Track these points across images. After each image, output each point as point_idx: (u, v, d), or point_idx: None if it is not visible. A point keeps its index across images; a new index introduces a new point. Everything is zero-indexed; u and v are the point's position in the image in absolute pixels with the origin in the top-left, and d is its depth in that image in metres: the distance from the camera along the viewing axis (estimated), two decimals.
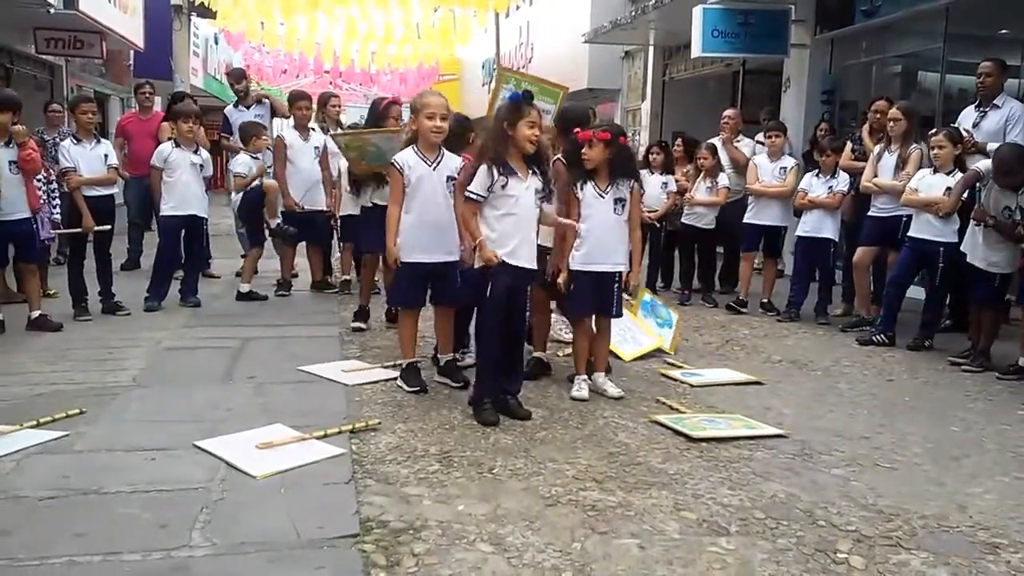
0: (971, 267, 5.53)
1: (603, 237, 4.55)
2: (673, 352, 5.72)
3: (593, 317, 4.77)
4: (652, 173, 7.78)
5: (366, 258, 6.51)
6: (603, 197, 4.52)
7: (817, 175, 6.85)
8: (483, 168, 4.09)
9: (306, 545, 2.79)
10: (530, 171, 4.18)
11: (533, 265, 4.26)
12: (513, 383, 4.32)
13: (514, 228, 4.14)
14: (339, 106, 7.85)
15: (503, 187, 4.09)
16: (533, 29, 17.57)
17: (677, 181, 7.81)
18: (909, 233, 6.00)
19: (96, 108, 6.68)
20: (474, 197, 4.10)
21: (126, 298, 6.52)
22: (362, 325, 6.13)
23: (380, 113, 6.22)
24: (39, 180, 6.79)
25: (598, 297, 4.62)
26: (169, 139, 6.91)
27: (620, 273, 4.64)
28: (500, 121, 4.16)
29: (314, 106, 7.74)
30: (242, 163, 7.04)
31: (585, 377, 4.67)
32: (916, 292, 6.30)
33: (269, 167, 7.52)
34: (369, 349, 5.56)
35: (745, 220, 7.28)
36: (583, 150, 4.47)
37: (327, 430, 3.82)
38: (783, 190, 7.04)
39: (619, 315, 4.79)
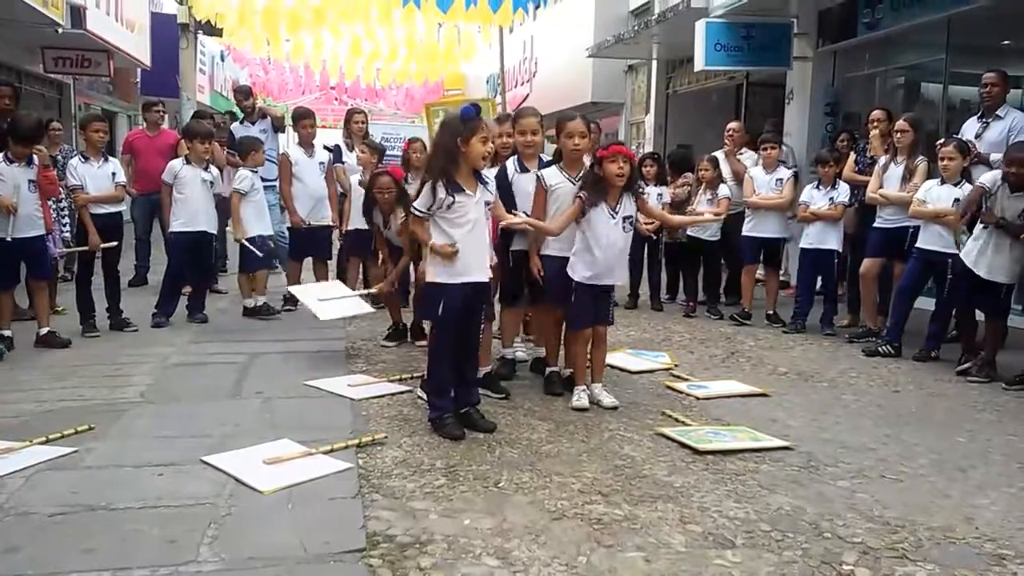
0: (976, 278, 5.52)
1: (612, 258, 4.60)
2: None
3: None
4: (646, 185, 7.81)
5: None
6: (614, 217, 4.55)
7: (818, 187, 6.87)
8: (427, 187, 4.03)
9: (313, 560, 2.80)
10: (479, 184, 4.14)
11: (486, 277, 4.25)
12: (473, 395, 4.31)
13: (464, 244, 4.07)
14: (363, 122, 7.92)
15: (449, 206, 4.02)
16: (537, 44, 17.66)
17: (672, 194, 7.84)
18: (917, 244, 6.01)
19: (107, 127, 6.73)
20: (418, 213, 4.08)
21: (134, 314, 6.56)
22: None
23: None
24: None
25: (596, 308, 4.69)
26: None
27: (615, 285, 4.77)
28: (452, 136, 4.03)
29: (320, 123, 7.83)
30: (243, 178, 7.06)
31: (584, 387, 4.69)
32: (923, 303, 6.30)
33: (271, 181, 7.55)
34: (375, 364, 5.58)
35: (744, 233, 7.30)
36: (618, 166, 4.46)
37: (333, 445, 3.84)
38: (781, 201, 7.07)
39: (611, 322, 4.85)
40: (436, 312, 4.12)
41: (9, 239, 5.60)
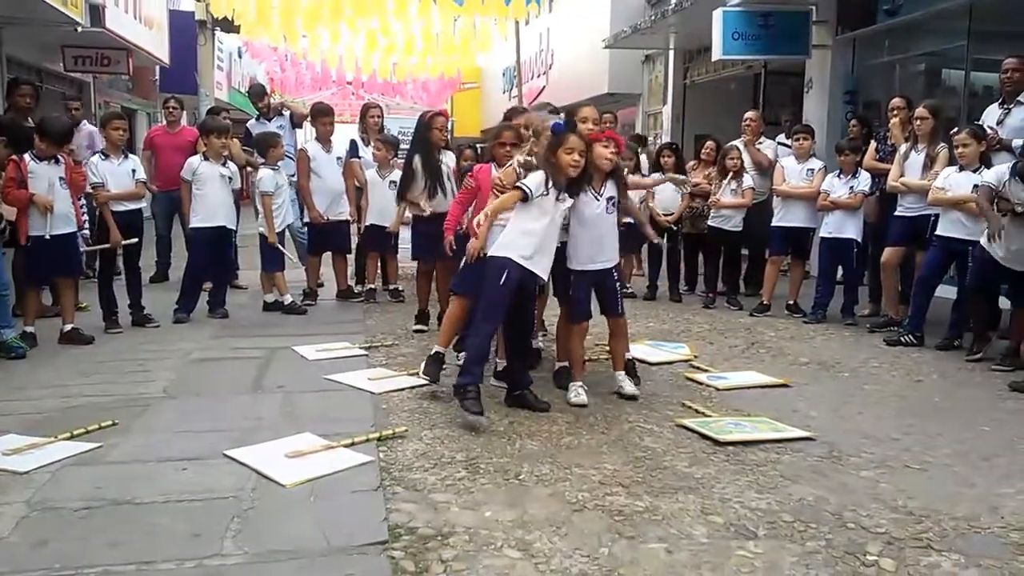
0: (1001, 266, 5.46)
1: (599, 237, 4.60)
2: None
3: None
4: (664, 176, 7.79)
5: (420, 266, 6.60)
6: (599, 199, 4.55)
7: (839, 176, 6.82)
8: (543, 176, 4.28)
9: (336, 552, 2.82)
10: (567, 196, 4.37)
11: (543, 274, 4.42)
12: (526, 378, 4.49)
13: (540, 237, 4.30)
14: (379, 116, 7.96)
15: (557, 199, 4.30)
16: (553, 36, 17.61)
17: (697, 185, 7.80)
18: (937, 232, 5.95)
19: (127, 125, 6.77)
20: (526, 189, 4.25)
21: (155, 310, 6.61)
22: (423, 327, 6.34)
23: (425, 124, 6.40)
24: None
25: (599, 295, 4.71)
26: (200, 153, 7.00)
27: (615, 267, 4.72)
28: (550, 148, 4.34)
29: (336, 119, 7.87)
30: (266, 178, 7.08)
31: (581, 383, 4.64)
32: (945, 292, 6.24)
33: (291, 176, 7.57)
34: (395, 357, 5.59)
35: (773, 224, 7.25)
36: (610, 151, 4.49)
37: (355, 438, 3.85)
38: (811, 191, 7.01)
39: (620, 314, 4.80)
40: (499, 281, 4.23)
41: (48, 237, 5.66)
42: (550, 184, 4.27)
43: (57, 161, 5.80)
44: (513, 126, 5.23)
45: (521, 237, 4.30)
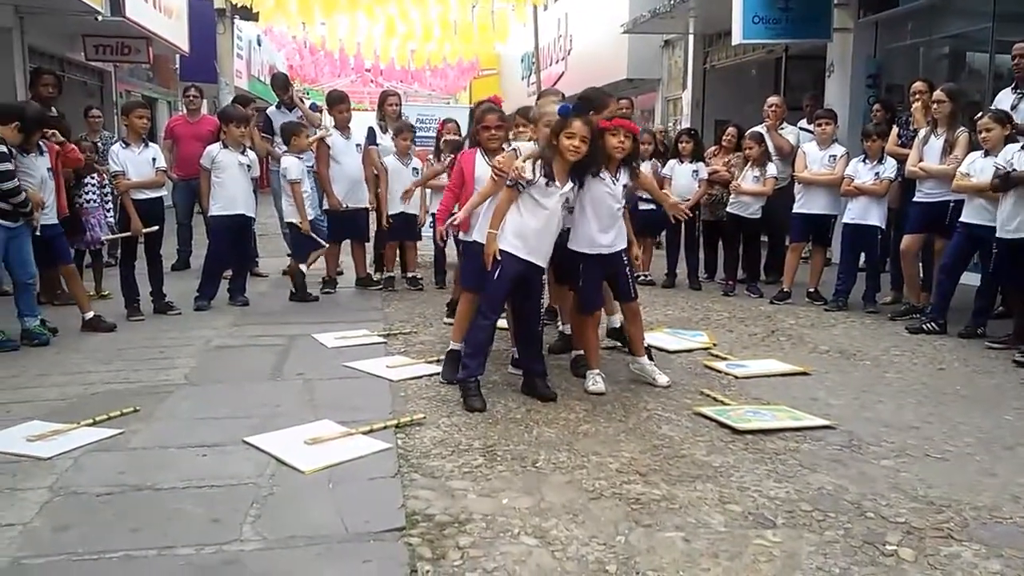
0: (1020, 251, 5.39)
1: (610, 224, 4.53)
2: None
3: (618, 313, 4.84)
4: (682, 162, 7.74)
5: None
6: (615, 183, 4.49)
7: (864, 161, 6.73)
8: (530, 163, 4.23)
9: (353, 539, 2.84)
10: (569, 181, 4.30)
11: (543, 263, 4.42)
12: (537, 365, 4.49)
13: (537, 225, 4.29)
14: (397, 104, 7.95)
15: (545, 186, 4.23)
16: (571, 21, 17.52)
17: (716, 172, 7.73)
18: (961, 219, 5.87)
19: (149, 114, 6.78)
20: (510, 183, 4.24)
21: (176, 298, 6.66)
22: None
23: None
24: (93, 184, 6.97)
25: (611, 281, 4.68)
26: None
27: (625, 250, 4.66)
28: (553, 133, 4.28)
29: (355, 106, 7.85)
30: (292, 166, 7.08)
31: (598, 371, 4.63)
32: (968, 279, 6.16)
33: (311, 166, 7.58)
34: (413, 345, 5.61)
35: (794, 211, 7.18)
36: (619, 139, 4.40)
37: (373, 425, 3.87)
38: (833, 178, 6.92)
39: (633, 297, 4.72)
40: (493, 275, 4.28)
41: (38, 231, 5.66)
42: (540, 170, 4.21)
43: (41, 152, 5.76)
44: (497, 108, 5.18)
45: (516, 228, 4.28)
